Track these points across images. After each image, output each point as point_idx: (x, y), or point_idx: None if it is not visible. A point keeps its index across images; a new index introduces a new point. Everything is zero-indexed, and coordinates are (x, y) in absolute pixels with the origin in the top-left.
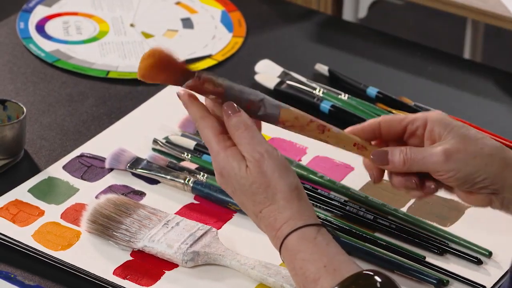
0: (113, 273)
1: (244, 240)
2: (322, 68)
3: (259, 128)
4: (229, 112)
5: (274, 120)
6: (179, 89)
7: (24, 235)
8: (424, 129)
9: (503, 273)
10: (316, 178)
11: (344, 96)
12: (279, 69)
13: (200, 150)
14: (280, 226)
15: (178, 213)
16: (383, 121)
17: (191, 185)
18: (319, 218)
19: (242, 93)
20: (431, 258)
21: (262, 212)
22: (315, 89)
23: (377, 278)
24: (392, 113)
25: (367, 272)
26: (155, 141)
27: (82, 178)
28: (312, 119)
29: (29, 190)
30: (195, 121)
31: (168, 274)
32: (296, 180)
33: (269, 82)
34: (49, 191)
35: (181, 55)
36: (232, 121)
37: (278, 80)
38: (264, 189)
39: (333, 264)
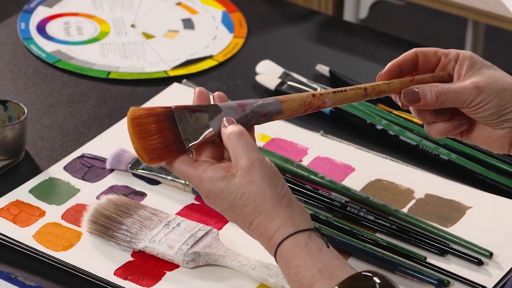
0: (114, 274)
1: (245, 241)
2: (323, 69)
3: (252, 135)
4: (226, 124)
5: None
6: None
7: (25, 235)
8: (455, 62)
9: (504, 274)
10: (317, 179)
11: None
12: (280, 70)
13: None
14: (272, 236)
15: (179, 213)
16: (419, 51)
17: (192, 185)
18: (320, 219)
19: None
20: (432, 259)
21: (253, 223)
22: (316, 89)
23: (376, 279)
24: (393, 113)
25: (364, 273)
26: None
27: (83, 178)
28: (306, 109)
29: (30, 191)
30: (167, 166)
31: (169, 274)
32: (286, 188)
33: (270, 82)
34: (50, 191)
35: (182, 56)
36: (228, 129)
37: (279, 80)
38: (253, 199)
39: (327, 268)
